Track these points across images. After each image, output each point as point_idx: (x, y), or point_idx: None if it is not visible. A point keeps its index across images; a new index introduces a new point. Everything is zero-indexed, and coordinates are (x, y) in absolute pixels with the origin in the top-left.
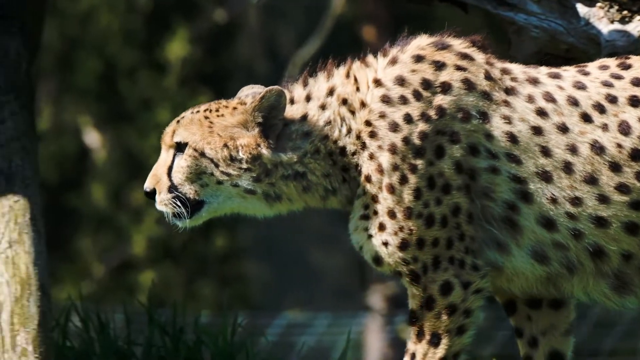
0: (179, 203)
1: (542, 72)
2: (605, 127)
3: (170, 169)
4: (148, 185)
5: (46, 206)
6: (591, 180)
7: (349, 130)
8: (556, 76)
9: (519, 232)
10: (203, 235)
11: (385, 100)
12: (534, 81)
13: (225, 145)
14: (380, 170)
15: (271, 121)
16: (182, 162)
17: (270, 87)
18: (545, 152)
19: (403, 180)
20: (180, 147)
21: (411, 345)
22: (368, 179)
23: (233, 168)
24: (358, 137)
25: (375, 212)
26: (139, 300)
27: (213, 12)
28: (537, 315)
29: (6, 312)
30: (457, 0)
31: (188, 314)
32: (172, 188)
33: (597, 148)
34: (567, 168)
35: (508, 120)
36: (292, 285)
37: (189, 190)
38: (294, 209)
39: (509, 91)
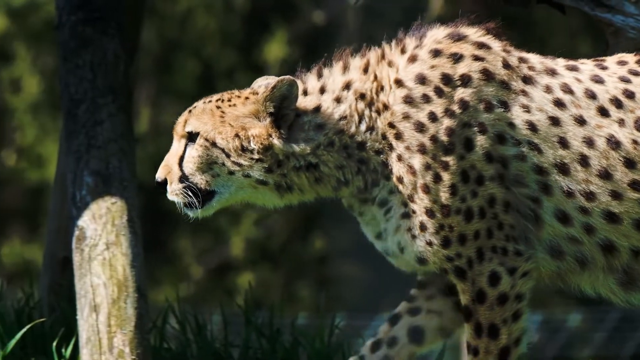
0: (190, 193)
1: (559, 63)
2: (621, 123)
3: (181, 159)
4: (159, 175)
5: (144, 208)
6: (605, 175)
7: (371, 128)
8: (574, 68)
9: (540, 226)
10: (301, 237)
11: (408, 100)
12: (552, 72)
13: (237, 136)
14: (413, 172)
15: (283, 111)
16: (194, 152)
17: (282, 77)
18: (563, 143)
19: (437, 178)
20: (191, 137)
21: (472, 342)
22: (400, 180)
23: (244, 158)
24: (384, 137)
25: (414, 212)
26: (237, 302)
27: (311, 13)
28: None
29: (103, 314)
30: (555, 2)
31: (285, 315)
32: (183, 178)
33: (613, 143)
34: (583, 161)
35: (527, 109)
36: (390, 286)
37: (200, 180)
38: (305, 199)
39: (527, 80)
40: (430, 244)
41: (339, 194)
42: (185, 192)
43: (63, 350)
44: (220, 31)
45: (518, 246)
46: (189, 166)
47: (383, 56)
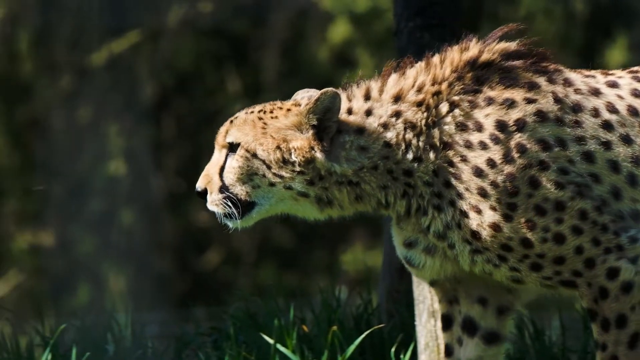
0: (230, 203)
1: (600, 81)
2: None
3: (222, 169)
4: (200, 184)
5: None
6: None
7: (419, 159)
8: (614, 85)
9: None
10: None
11: (468, 145)
12: (596, 92)
13: (278, 147)
14: (479, 211)
15: (325, 123)
16: (234, 163)
17: (325, 89)
18: (615, 167)
19: (507, 218)
20: (232, 148)
21: (599, 338)
22: (465, 214)
23: (286, 170)
24: (436, 173)
25: (486, 248)
26: (575, 308)
27: None
28: (468, 342)
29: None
30: None
31: None
32: (224, 188)
33: None
34: (632, 181)
35: (582, 140)
36: None
37: (240, 191)
38: (344, 214)
39: (576, 109)
40: (516, 270)
41: (378, 213)
42: (225, 203)
43: (401, 356)
44: (559, 36)
45: (630, 233)
46: (230, 177)
47: (440, 91)
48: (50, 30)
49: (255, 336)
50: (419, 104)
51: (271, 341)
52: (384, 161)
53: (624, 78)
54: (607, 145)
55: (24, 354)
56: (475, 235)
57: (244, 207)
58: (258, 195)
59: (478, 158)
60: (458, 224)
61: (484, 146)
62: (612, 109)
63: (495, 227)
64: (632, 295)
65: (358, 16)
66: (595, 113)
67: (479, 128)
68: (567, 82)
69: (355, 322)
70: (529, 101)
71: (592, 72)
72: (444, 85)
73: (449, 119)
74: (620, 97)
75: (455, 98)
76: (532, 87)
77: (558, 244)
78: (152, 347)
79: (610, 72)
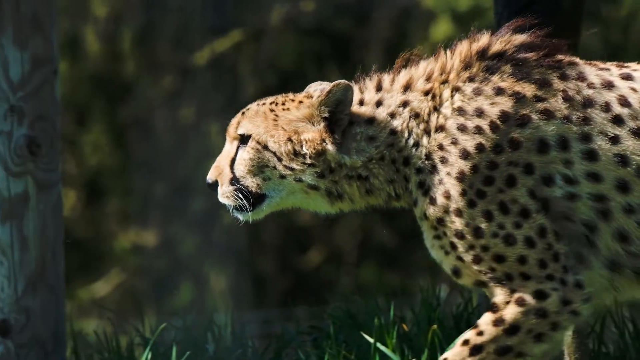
0: (240, 196)
1: (614, 73)
2: None
3: (233, 161)
4: (210, 176)
5: None
6: None
7: (417, 144)
8: (628, 77)
9: (595, 249)
10: None
11: (461, 128)
12: (609, 85)
13: (289, 139)
14: (448, 196)
15: (337, 116)
16: (245, 155)
17: (338, 81)
18: (624, 161)
19: (471, 204)
20: (243, 140)
21: (482, 324)
22: (433, 201)
23: (296, 162)
24: (428, 157)
25: (445, 234)
26: None
27: None
28: None
29: None
30: None
31: None
32: (234, 180)
33: None
34: None
35: (588, 138)
36: None
37: (251, 183)
38: (355, 208)
39: (586, 104)
40: (461, 259)
41: (390, 206)
42: (236, 195)
43: None
44: None
45: (578, 277)
46: (240, 168)
47: (447, 79)
48: (153, 30)
49: (355, 335)
50: (427, 93)
51: (371, 340)
52: (389, 150)
53: (639, 71)
54: (615, 139)
55: (124, 353)
56: (440, 221)
57: (255, 199)
58: (269, 188)
59: (469, 141)
60: (425, 212)
61: (479, 131)
62: (624, 103)
63: (458, 212)
64: (537, 323)
65: (460, 15)
66: (606, 107)
67: (480, 114)
68: (580, 77)
69: (455, 321)
70: (539, 99)
71: (607, 65)
72: (452, 74)
73: (447, 103)
74: (634, 89)
75: (460, 84)
76: (544, 84)
77: (505, 244)
78: (252, 346)
79: (626, 64)
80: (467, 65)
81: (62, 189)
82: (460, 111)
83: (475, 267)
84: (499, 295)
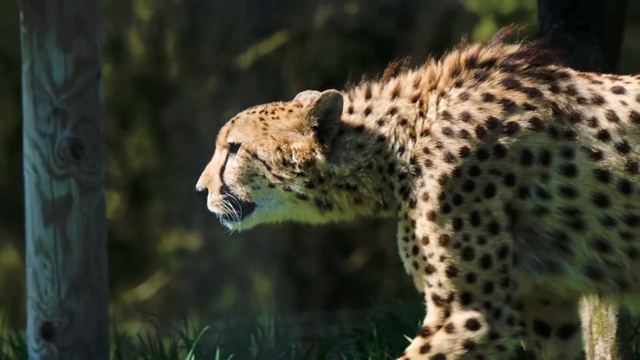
0: (230, 204)
1: (606, 87)
2: None
3: (223, 169)
4: (200, 184)
5: None
6: None
7: (402, 149)
8: (620, 91)
9: (570, 254)
10: None
11: (447, 132)
12: (599, 100)
13: (279, 148)
14: (426, 198)
15: (327, 125)
16: (235, 163)
17: (327, 91)
18: (604, 177)
19: (445, 209)
20: (233, 148)
21: (410, 351)
22: (412, 204)
23: (286, 172)
24: (413, 161)
25: (413, 237)
26: None
27: None
28: (545, 343)
29: (585, 322)
30: None
31: None
32: (224, 189)
33: None
34: (626, 188)
35: (569, 153)
36: None
37: (240, 191)
38: (345, 218)
39: (574, 118)
40: (415, 265)
41: (378, 215)
42: (225, 204)
43: None
44: None
45: (514, 313)
46: (230, 177)
47: (437, 88)
48: (197, 32)
49: (398, 338)
50: (414, 99)
51: None
52: (376, 157)
53: (632, 83)
54: (597, 156)
55: (167, 356)
56: (414, 223)
57: (244, 208)
58: (258, 197)
59: (454, 145)
60: (405, 214)
61: (465, 135)
62: (612, 117)
63: (431, 214)
64: (463, 355)
65: (504, 17)
66: (593, 123)
67: (467, 118)
68: (571, 90)
69: None
70: (528, 107)
71: (601, 77)
72: (441, 82)
73: (432, 108)
74: (624, 103)
75: (446, 89)
76: (534, 94)
77: (462, 258)
78: (295, 348)
79: (620, 77)
80: (455, 73)
81: (106, 192)
82: (446, 115)
83: (425, 277)
84: (432, 315)
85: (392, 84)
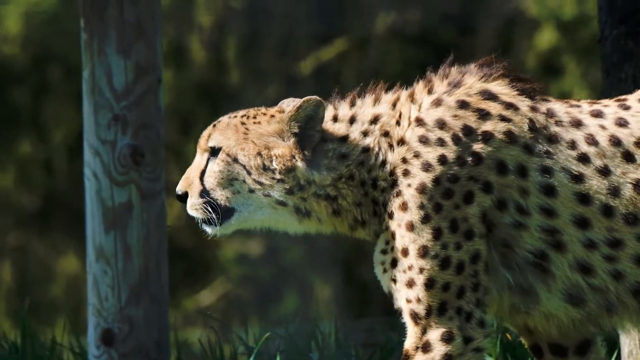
0: (209, 209)
1: (584, 110)
2: None
3: (203, 173)
4: (180, 188)
5: None
6: (633, 220)
7: (383, 163)
8: (598, 114)
9: (550, 278)
10: None
11: (424, 140)
12: (577, 124)
13: (259, 154)
14: (405, 208)
15: (308, 132)
16: (215, 167)
17: (308, 97)
18: (585, 199)
19: (425, 219)
20: (214, 152)
21: None
22: (391, 215)
23: (265, 177)
24: (392, 173)
25: (392, 249)
26: None
27: None
28: None
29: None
30: None
31: None
32: (204, 193)
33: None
34: (608, 211)
35: (548, 173)
36: None
37: (220, 196)
38: (322, 230)
39: (552, 139)
40: (394, 280)
41: (355, 233)
42: (205, 208)
43: None
44: None
45: (484, 316)
46: (210, 181)
47: (412, 96)
48: (257, 38)
49: None
50: (394, 105)
51: None
52: (359, 169)
53: (610, 107)
54: (578, 178)
55: None
56: (394, 235)
57: (224, 213)
58: (237, 202)
59: (431, 153)
60: (386, 226)
61: (441, 143)
62: (591, 141)
63: (410, 225)
64: None
65: (564, 23)
66: (572, 145)
67: (442, 126)
68: (550, 113)
69: None
70: (503, 119)
71: (579, 102)
72: (417, 90)
73: (405, 116)
74: (602, 127)
75: (417, 97)
76: (511, 107)
77: (440, 268)
78: (356, 355)
79: (598, 101)
80: (429, 81)
81: (167, 198)
82: (420, 123)
83: (404, 291)
84: (411, 337)
85: (372, 93)
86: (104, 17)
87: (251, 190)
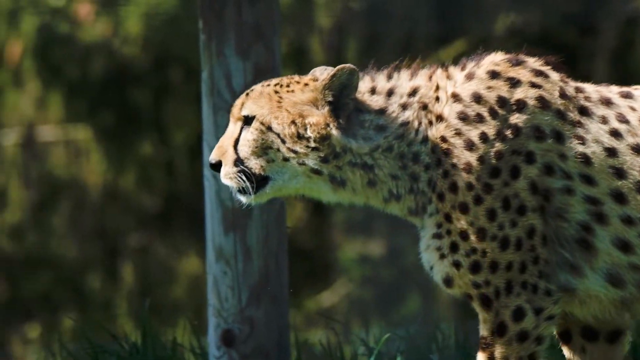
0: (244, 177)
1: (613, 91)
2: None
3: (237, 142)
4: (213, 157)
5: None
6: None
7: (425, 139)
8: (628, 96)
9: (593, 255)
10: None
11: (463, 117)
12: (607, 102)
13: (293, 122)
14: (454, 189)
15: (342, 100)
16: (249, 136)
17: (342, 65)
18: (620, 174)
19: (477, 200)
20: (247, 121)
21: None
22: (441, 197)
23: (300, 146)
24: (433, 150)
25: (448, 232)
26: None
27: None
28: (592, 348)
29: None
30: None
31: None
32: (238, 162)
33: None
34: None
35: (582, 141)
36: None
37: (254, 164)
38: (355, 201)
39: (583, 111)
40: (457, 265)
41: (388, 207)
42: (239, 176)
43: None
44: None
45: (549, 285)
46: (244, 149)
47: (447, 72)
48: (377, 39)
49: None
50: (430, 78)
51: None
52: (398, 141)
53: (639, 90)
54: (611, 152)
55: None
56: (448, 217)
57: (258, 181)
58: (272, 170)
59: (472, 131)
60: (437, 209)
61: (480, 119)
62: (622, 119)
63: (463, 207)
64: (523, 347)
65: None
66: (604, 120)
67: (478, 100)
68: (579, 89)
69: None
70: (534, 85)
71: (609, 87)
72: (451, 68)
73: (442, 91)
74: (632, 108)
75: (452, 73)
76: (541, 74)
77: (500, 249)
78: (475, 356)
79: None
80: (462, 63)
81: (288, 200)
82: (457, 98)
83: (471, 277)
84: (485, 323)
85: (407, 66)
86: (222, 19)
87: (285, 159)
